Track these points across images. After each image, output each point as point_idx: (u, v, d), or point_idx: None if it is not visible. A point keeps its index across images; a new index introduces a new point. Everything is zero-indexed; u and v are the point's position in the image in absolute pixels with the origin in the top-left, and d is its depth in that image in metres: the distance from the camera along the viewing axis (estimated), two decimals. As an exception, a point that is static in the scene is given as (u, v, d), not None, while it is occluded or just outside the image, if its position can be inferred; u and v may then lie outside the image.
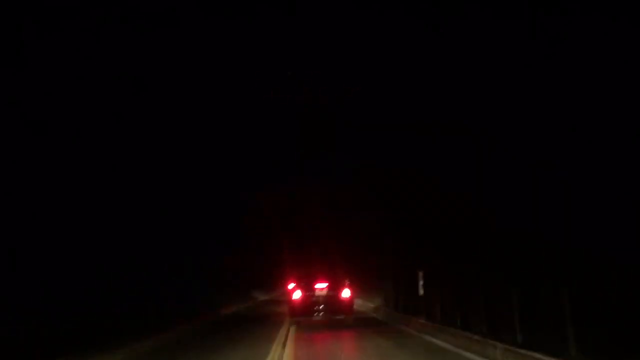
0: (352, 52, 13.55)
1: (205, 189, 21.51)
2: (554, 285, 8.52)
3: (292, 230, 34.36)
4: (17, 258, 11.49)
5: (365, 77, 14.68)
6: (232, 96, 15.78)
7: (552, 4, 10.36)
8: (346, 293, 16.35)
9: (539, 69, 10.96)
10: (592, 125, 10.07)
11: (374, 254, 25.63)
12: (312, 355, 10.83)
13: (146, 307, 15.02)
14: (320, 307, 16.10)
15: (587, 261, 9.58)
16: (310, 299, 16.18)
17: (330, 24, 12.56)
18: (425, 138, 15.81)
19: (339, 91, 15.11)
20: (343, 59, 13.93)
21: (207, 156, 19.12)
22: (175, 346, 12.62)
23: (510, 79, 11.80)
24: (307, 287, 16.42)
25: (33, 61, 11.19)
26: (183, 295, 19.31)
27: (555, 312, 8.10)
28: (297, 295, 16.34)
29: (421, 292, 15.31)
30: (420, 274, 15.40)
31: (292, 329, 15.11)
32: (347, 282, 16.59)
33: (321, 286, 16.36)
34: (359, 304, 21.78)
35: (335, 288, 16.35)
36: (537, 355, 7.78)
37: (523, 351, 8.19)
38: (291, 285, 17.66)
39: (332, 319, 16.23)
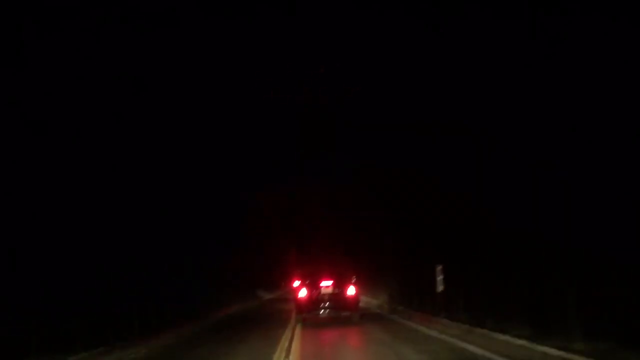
0: (352, 52, 13.55)
1: (205, 189, 21.52)
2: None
3: (292, 230, 34.47)
4: (17, 258, 11.48)
5: (365, 77, 14.68)
6: (232, 96, 15.79)
7: (552, 4, 10.35)
8: (352, 290, 16.48)
9: (539, 69, 10.96)
10: (592, 125, 10.06)
11: (375, 253, 25.69)
12: (319, 349, 11.03)
13: (146, 307, 15.03)
14: (326, 305, 16.30)
15: (587, 261, 9.59)
16: (316, 297, 16.38)
17: (330, 24, 12.56)
18: (425, 138, 15.81)
19: (339, 91, 15.12)
20: (343, 59, 13.93)
21: (207, 156, 19.13)
22: (184, 345, 12.96)
23: (510, 79, 11.79)
24: (313, 285, 16.58)
25: (33, 61, 11.18)
26: (183, 295, 19.31)
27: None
28: (302, 293, 16.54)
29: (440, 288, 14.20)
30: (439, 268, 14.28)
31: (299, 326, 15.34)
32: (353, 280, 16.71)
33: (327, 284, 16.52)
34: (363, 300, 21.80)
35: (340, 285, 16.49)
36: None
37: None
38: (296, 284, 17.78)
39: (339, 316, 16.38)
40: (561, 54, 10.45)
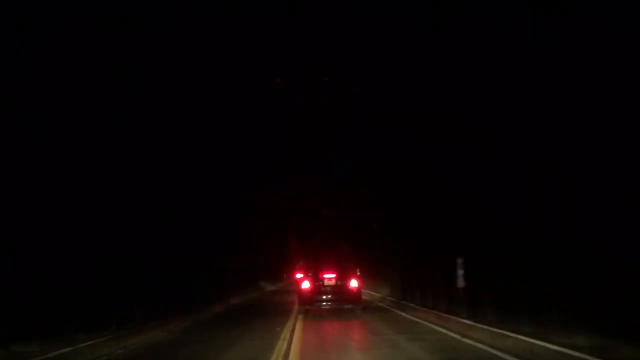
0: (352, 52, 13.54)
1: (205, 189, 21.50)
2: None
3: (294, 224, 34.62)
4: (17, 258, 11.48)
5: (365, 77, 14.67)
6: (232, 96, 15.78)
7: (552, 4, 10.35)
8: (354, 283, 16.69)
9: (539, 69, 10.96)
10: (592, 125, 10.06)
11: (376, 250, 25.75)
12: (320, 338, 11.18)
13: (147, 307, 15.07)
14: (329, 297, 16.52)
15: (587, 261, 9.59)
16: (319, 289, 16.64)
17: (331, 24, 12.54)
18: (425, 138, 15.82)
19: (339, 91, 15.11)
20: (343, 59, 13.92)
21: (207, 156, 19.11)
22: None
23: (510, 79, 11.79)
24: (316, 277, 16.78)
25: (33, 61, 11.17)
26: (183, 295, 19.32)
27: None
28: (306, 285, 16.81)
29: (461, 284, 12.97)
30: (460, 261, 13.16)
31: (301, 317, 15.53)
32: (357, 272, 16.87)
33: (329, 276, 16.74)
34: (364, 293, 21.95)
35: (343, 278, 16.71)
36: None
37: None
38: (299, 276, 17.96)
39: (341, 308, 16.56)
40: (561, 54, 10.45)
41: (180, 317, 15.97)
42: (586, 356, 7.43)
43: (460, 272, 13.16)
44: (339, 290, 16.52)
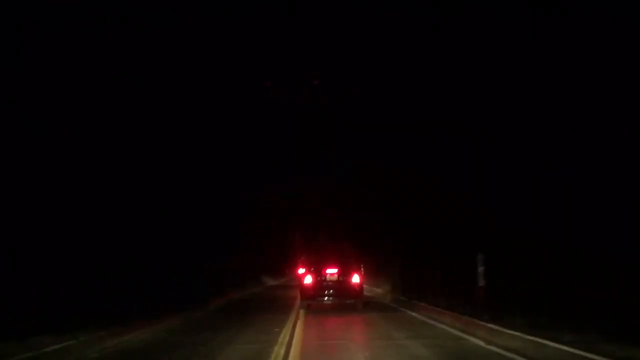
0: (352, 52, 13.55)
1: (205, 189, 21.51)
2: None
3: (295, 223, 34.69)
4: (17, 258, 11.48)
5: (365, 77, 14.69)
6: (233, 96, 15.80)
7: (552, 4, 10.36)
8: (356, 278, 16.75)
9: (539, 69, 10.97)
10: (592, 125, 10.08)
11: (376, 249, 25.78)
12: (321, 334, 11.21)
13: (138, 306, 15.03)
14: (331, 292, 16.58)
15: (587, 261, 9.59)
16: (321, 284, 16.69)
17: (330, 24, 12.56)
18: (425, 138, 15.84)
19: (339, 91, 15.13)
20: (343, 59, 13.94)
21: (207, 156, 19.12)
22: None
23: (510, 79, 11.81)
24: (318, 273, 16.84)
25: (33, 61, 11.17)
26: (183, 295, 19.31)
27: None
28: (308, 280, 16.89)
29: (482, 282, 11.54)
30: (481, 257, 11.67)
31: (302, 312, 15.60)
32: (360, 268, 16.92)
33: (332, 271, 16.79)
34: (366, 289, 21.92)
35: (345, 274, 16.76)
36: None
37: None
38: (301, 271, 17.98)
39: (343, 303, 16.63)
40: (561, 54, 10.47)
41: (173, 314, 15.91)
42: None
43: (481, 268, 11.64)
44: (341, 285, 16.57)
